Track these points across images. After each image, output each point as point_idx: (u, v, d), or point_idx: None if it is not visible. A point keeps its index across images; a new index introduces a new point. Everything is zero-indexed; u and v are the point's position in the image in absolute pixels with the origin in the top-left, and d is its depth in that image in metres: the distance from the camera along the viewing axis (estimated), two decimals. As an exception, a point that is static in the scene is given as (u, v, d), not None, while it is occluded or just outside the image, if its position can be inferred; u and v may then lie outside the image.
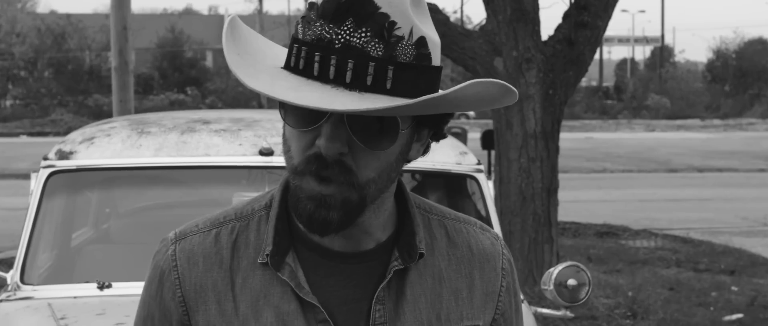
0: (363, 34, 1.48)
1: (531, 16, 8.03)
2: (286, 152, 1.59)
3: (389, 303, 1.63)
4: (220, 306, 1.63)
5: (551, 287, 3.77)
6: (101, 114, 39.27)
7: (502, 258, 1.77)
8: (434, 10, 8.25)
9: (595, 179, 22.18)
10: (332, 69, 1.48)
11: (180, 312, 1.65)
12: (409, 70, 1.52)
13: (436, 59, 1.59)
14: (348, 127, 1.51)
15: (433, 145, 3.76)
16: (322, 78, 1.49)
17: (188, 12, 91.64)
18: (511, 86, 1.58)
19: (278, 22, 57.31)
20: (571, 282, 3.76)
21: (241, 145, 3.86)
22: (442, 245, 1.71)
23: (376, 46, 1.49)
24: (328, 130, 1.51)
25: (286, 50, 1.59)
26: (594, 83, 73.48)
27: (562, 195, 8.56)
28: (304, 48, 1.51)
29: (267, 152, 3.77)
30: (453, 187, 4.02)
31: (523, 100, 7.99)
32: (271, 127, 4.00)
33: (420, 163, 3.75)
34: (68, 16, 60.45)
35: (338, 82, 1.48)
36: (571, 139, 35.63)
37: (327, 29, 1.49)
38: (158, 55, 64.08)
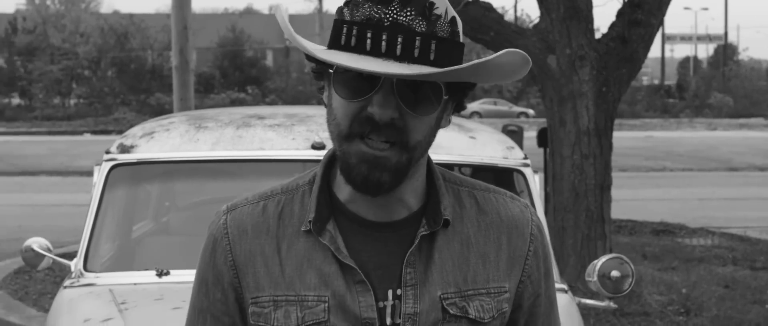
0: (408, 13, 1.67)
1: (584, 14, 8.09)
2: (332, 121, 1.75)
3: (419, 266, 1.78)
4: (268, 269, 1.80)
5: (595, 278, 3.86)
6: (163, 112, 39.69)
7: (532, 224, 1.90)
8: (488, 9, 8.35)
9: (654, 178, 22.09)
10: (384, 44, 1.66)
11: (231, 275, 1.83)
12: (447, 43, 1.70)
13: (462, 36, 1.76)
14: (397, 95, 1.68)
15: (482, 139, 3.89)
16: (374, 52, 1.67)
17: (249, 11, 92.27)
18: (528, 56, 1.74)
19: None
20: (615, 273, 3.85)
21: (294, 139, 4.00)
22: (472, 213, 1.84)
23: (420, 23, 1.68)
24: (380, 99, 1.68)
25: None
26: (656, 81, 72.97)
27: (619, 193, 8.62)
28: (355, 27, 1.68)
29: (319, 146, 3.90)
30: (500, 181, 4.11)
31: (576, 98, 8.06)
32: (323, 122, 4.11)
33: (468, 157, 3.89)
34: (131, 16, 61.22)
35: (389, 55, 1.66)
36: (631, 137, 35.47)
37: (375, 9, 1.67)
38: (219, 54, 64.61)
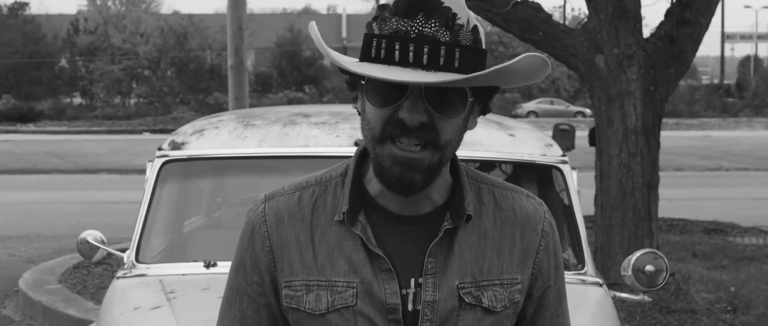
0: (433, 25, 1.81)
1: (632, 14, 8.14)
2: (366, 125, 1.89)
3: (440, 257, 1.92)
4: (302, 255, 1.94)
5: (630, 273, 3.96)
6: (221, 111, 40.10)
7: (544, 221, 2.02)
8: (536, 9, 8.42)
9: (710, 177, 21.97)
10: (411, 54, 1.80)
11: (268, 260, 1.97)
12: (470, 51, 1.83)
13: (484, 43, 1.88)
14: (425, 100, 1.82)
15: (521, 137, 4.01)
16: (403, 62, 1.80)
17: (307, 11, 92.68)
18: (547, 59, 1.85)
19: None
20: (649, 268, 3.94)
21: (337, 136, 4.14)
22: (490, 209, 1.98)
23: (444, 33, 1.81)
24: (409, 105, 1.82)
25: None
26: (715, 81, 72.26)
27: (674, 192, 8.66)
28: (384, 40, 1.82)
29: (361, 143, 4.03)
30: (539, 177, 4.22)
31: (623, 97, 8.12)
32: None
33: (507, 155, 4.00)
34: (190, 16, 61.78)
35: (417, 64, 1.80)
36: (688, 137, 35.26)
37: (402, 23, 1.81)
38: (277, 54, 65.01)
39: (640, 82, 8.10)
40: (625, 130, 8.13)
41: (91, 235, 4.19)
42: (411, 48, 1.80)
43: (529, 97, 57.85)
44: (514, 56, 1.93)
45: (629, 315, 7.72)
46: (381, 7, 1.88)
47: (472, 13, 1.86)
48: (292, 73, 63.10)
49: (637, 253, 4.00)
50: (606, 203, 8.27)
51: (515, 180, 4.27)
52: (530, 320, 2.04)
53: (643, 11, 8.24)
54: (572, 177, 4.20)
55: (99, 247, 4.18)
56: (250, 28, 55.58)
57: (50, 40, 60.88)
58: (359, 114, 1.93)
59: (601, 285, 3.97)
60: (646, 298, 4.20)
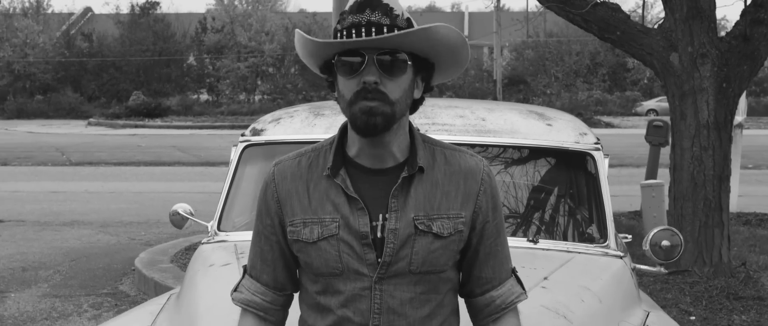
0: (376, 15, 2.46)
1: (707, 14, 8.54)
2: (342, 98, 2.53)
3: (400, 198, 2.55)
4: (300, 202, 2.60)
5: (648, 247, 4.45)
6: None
7: (483, 172, 2.64)
8: (615, 9, 8.86)
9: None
10: (363, 32, 2.45)
11: (276, 207, 2.64)
12: (404, 30, 2.47)
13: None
14: (377, 65, 2.45)
15: (558, 126, 4.56)
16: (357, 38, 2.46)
17: (431, 9, 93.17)
18: (466, 40, 2.53)
19: (516, 19, 57.56)
20: (665, 243, 4.43)
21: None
22: (441, 164, 2.60)
23: (385, 19, 2.46)
24: (366, 69, 2.46)
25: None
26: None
27: (759, 189, 8.95)
28: (344, 31, 2.47)
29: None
30: (573, 162, 4.69)
31: (696, 93, 8.52)
32: (419, 112, 4.83)
33: (544, 141, 4.52)
34: (314, 15, 62.81)
35: (367, 44, 2.47)
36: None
37: (355, 17, 2.47)
38: (398, 52, 65.67)
39: (713, 80, 8.49)
40: (698, 125, 8.53)
41: (182, 208, 4.89)
42: (362, 30, 2.44)
43: (650, 95, 57.40)
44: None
45: (696, 299, 8.09)
46: (342, 13, 2.54)
47: (404, 8, 2.52)
48: (413, 70, 63.73)
49: (655, 229, 4.48)
50: (678, 194, 8.68)
51: (553, 164, 4.76)
52: (474, 247, 2.64)
53: (728, 13, 8.60)
54: (603, 163, 4.68)
55: (188, 218, 4.86)
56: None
57: (179, 39, 62.72)
58: (337, 100, 2.53)
59: (621, 258, 4.43)
60: (662, 270, 4.66)
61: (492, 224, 2.64)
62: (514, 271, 2.73)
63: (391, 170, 2.57)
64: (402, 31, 2.45)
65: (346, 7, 2.50)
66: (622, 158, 23.16)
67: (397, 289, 2.53)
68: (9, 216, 14.80)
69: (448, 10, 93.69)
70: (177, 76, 60.52)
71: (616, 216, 13.12)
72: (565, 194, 4.65)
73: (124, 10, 67.63)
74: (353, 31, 2.46)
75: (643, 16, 9.34)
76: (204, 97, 59.19)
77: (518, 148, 4.62)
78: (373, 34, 2.45)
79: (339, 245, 2.54)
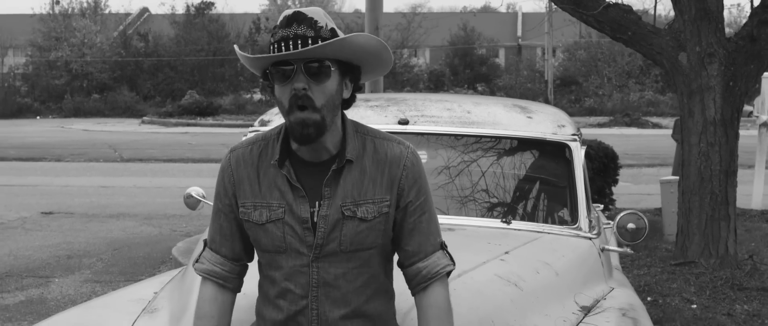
0: (302, 28, 2.81)
1: (714, 15, 8.88)
2: (280, 105, 2.88)
3: (332, 187, 2.92)
4: (251, 187, 2.99)
5: (615, 229, 4.85)
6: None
7: (406, 159, 2.98)
8: (627, 11, 9.22)
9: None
10: (291, 45, 2.80)
11: (232, 189, 3.03)
12: (327, 40, 2.82)
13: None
14: (304, 73, 2.81)
15: (538, 119, 4.99)
16: (286, 50, 2.81)
17: (486, 9, 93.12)
18: (386, 44, 2.88)
19: (569, 20, 57.40)
20: (631, 226, 4.82)
21: (386, 116, 5.14)
22: (370, 153, 2.96)
23: (309, 31, 2.80)
24: (295, 77, 2.82)
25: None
26: None
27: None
28: (275, 44, 2.84)
29: (403, 122, 5.03)
30: (550, 152, 5.06)
31: (704, 91, 8.86)
32: (412, 105, 5.27)
33: (524, 133, 4.92)
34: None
35: (293, 56, 2.81)
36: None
37: (284, 31, 2.82)
38: (450, 52, 65.89)
39: (720, 78, 8.82)
40: (705, 122, 8.87)
41: (195, 191, 5.35)
42: (290, 43, 2.80)
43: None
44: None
45: (700, 289, 8.43)
46: (274, 27, 2.89)
47: (330, 20, 2.86)
48: (465, 71, 63.83)
49: (621, 214, 4.87)
50: (686, 188, 9.02)
51: (534, 153, 5.14)
52: (399, 224, 3.00)
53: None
54: (579, 153, 5.07)
55: (200, 200, 5.32)
56: (424, 27, 56.35)
57: (233, 39, 63.40)
58: (277, 104, 2.93)
59: (590, 240, 4.80)
60: (628, 250, 5.05)
61: (415, 204, 2.99)
62: (442, 245, 3.07)
63: (326, 163, 2.92)
64: (323, 43, 2.77)
65: (277, 22, 2.86)
66: (665, 158, 23.37)
67: (332, 266, 2.92)
68: (58, 209, 15.46)
69: (504, 10, 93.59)
70: (230, 75, 61.22)
71: (645, 213, 13.50)
72: (541, 180, 5.05)
73: (180, 10, 68.65)
74: (283, 44, 2.80)
75: (655, 17, 9.66)
76: (257, 96, 59.82)
77: (500, 139, 5.03)
78: (300, 45, 2.77)
79: (284, 228, 2.92)
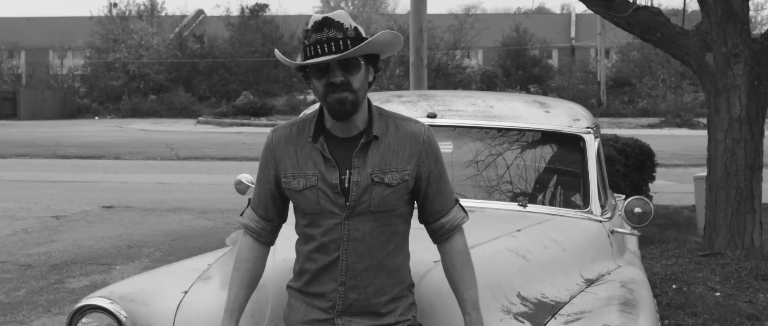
0: (332, 31, 3.34)
1: (740, 17, 9.30)
2: (317, 92, 3.42)
3: (361, 157, 3.45)
4: (291, 161, 3.52)
5: (623, 213, 5.33)
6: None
7: (423, 135, 3.53)
8: (656, 13, 9.66)
9: None
10: (325, 47, 3.34)
11: (273, 163, 3.57)
12: (354, 40, 3.37)
13: (364, 34, 3.41)
14: (339, 69, 3.35)
15: (554, 113, 5.53)
16: (322, 53, 3.36)
17: (540, 11, 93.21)
18: (399, 35, 3.43)
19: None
20: (638, 210, 5.30)
21: (416, 111, 5.65)
22: (393, 131, 3.50)
23: (338, 33, 3.34)
24: (331, 73, 3.36)
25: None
26: None
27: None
28: (310, 46, 3.37)
29: (432, 115, 5.55)
30: (566, 143, 5.55)
31: (730, 90, 9.29)
32: (440, 101, 5.79)
33: (541, 125, 5.42)
34: (419, 16, 63.41)
35: (328, 52, 3.35)
36: None
37: (317, 35, 3.36)
38: (502, 53, 66.07)
39: (746, 77, 9.24)
40: (730, 119, 9.29)
41: (244, 177, 5.92)
42: (325, 46, 3.34)
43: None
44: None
45: (725, 279, 8.84)
46: (307, 31, 3.41)
47: (352, 20, 3.38)
48: (517, 72, 64.01)
49: (630, 199, 5.35)
50: (713, 183, 9.45)
51: (549, 144, 5.65)
52: (424, 190, 3.54)
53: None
54: (593, 144, 5.56)
55: (250, 186, 5.88)
56: (476, 28, 56.39)
57: (287, 40, 64.22)
58: (313, 91, 3.47)
59: (600, 222, 5.28)
60: (636, 233, 5.53)
61: (435, 171, 3.54)
62: (457, 201, 3.64)
63: (355, 138, 3.45)
64: (353, 49, 3.30)
65: (309, 27, 3.39)
66: (709, 157, 23.56)
67: (361, 224, 3.45)
68: (118, 203, 16.17)
69: (558, 11, 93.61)
70: (284, 76, 62.01)
71: (680, 210, 13.89)
72: (556, 169, 5.55)
73: (235, 12, 69.54)
74: (318, 47, 3.32)
75: (684, 19, 10.10)
76: (311, 97, 60.51)
77: (519, 131, 5.54)
78: (332, 47, 3.30)
79: (318, 193, 3.45)
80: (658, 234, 11.62)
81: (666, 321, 7.56)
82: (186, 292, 4.21)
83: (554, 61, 71.15)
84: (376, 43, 3.41)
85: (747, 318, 7.67)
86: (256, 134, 36.83)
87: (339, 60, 3.34)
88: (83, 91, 66.88)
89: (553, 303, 4.14)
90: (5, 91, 62.91)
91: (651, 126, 43.93)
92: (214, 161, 25.54)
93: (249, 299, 3.66)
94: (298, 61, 3.42)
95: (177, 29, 70.01)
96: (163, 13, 70.11)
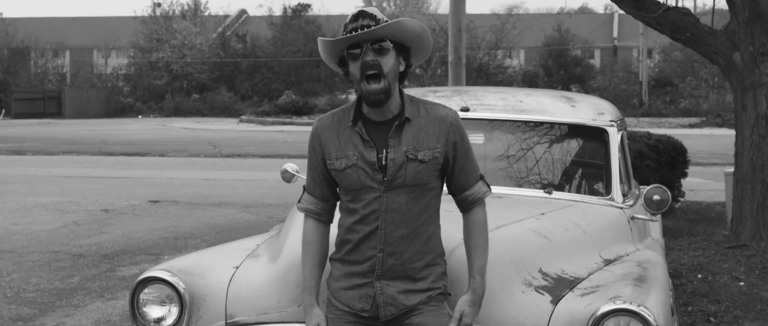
0: (366, 20, 3.78)
1: (766, 17, 9.60)
2: (354, 78, 3.84)
3: (396, 138, 3.87)
4: (333, 144, 3.94)
5: (642, 200, 5.70)
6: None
7: (450, 118, 3.94)
8: (685, 13, 10.00)
9: None
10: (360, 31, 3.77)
11: (319, 148, 3.99)
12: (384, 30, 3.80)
13: None
14: (371, 50, 3.78)
15: (580, 107, 5.97)
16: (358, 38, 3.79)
17: (583, 10, 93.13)
18: (425, 28, 3.88)
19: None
20: (656, 197, 5.66)
21: (450, 104, 6.02)
22: (423, 115, 3.92)
23: (371, 22, 3.77)
24: (364, 54, 3.79)
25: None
26: None
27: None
28: (346, 33, 3.80)
29: (465, 109, 5.93)
30: (590, 136, 5.93)
31: (756, 88, 9.60)
32: (472, 96, 6.18)
33: (566, 119, 5.82)
34: (460, 16, 63.62)
35: (362, 37, 3.78)
36: None
37: (354, 24, 3.79)
38: (544, 53, 66.16)
39: (772, 75, 9.55)
40: (757, 116, 9.61)
41: (290, 166, 6.33)
42: (358, 31, 3.75)
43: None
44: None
45: (750, 269, 9.17)
46: (346, 23, 3.84)
47: (384, 15, 3.81)
48: (559, 72, 64.05)
49: (649, 187, 5.72)
50: (739, 177, 9.77)
51: (574, 136, 6.03)
52: (451, 166, 3.94)
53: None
54: (616, 136, 5.92)
55: (294, 174, 6.30)
56: (518, 28, 56.45)
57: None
58: (351, 80, 3.88)
59: (621, 209, 5.65)
60: (654, 219, 5.89)
61: (461, 150, 3.96)
62: (481, 176, 4.04)
63: (389, 121, 3.87)
64: (380, 25, 3.76)
65: (348, 18, 3.84)
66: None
67: (397, 196, 3.87)
68: (164, 198, 16.70)
69: (601, 11, 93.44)
70: (326, 76, 62.48)
71: (712, 206, 14.19)
72: (581, 159, 5.93)
73: (277, 12, 70.18)
74: (353, 33, 3.78)
75: (712, 19, 10.41)
76: (352, 96, 60.85)
77: (546, 124, 5.93)
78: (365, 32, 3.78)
79: (358, 171, 3.88)
80: (687, 227, 11.95)
81: (690, 307, 7.91)
82: (237, 267, 4.64)
83: (596, 61, 71.11)
84: (401, 28, 3.82)
85: (768, 305, 8.00)
86: (298, 133, 37.39)
87: (371, 42, 3.77)
88: (127, 90, 67.77)
89: (572, 278, 4.52)
90: (50, 90, 63.96)
91: (691, 126, 44.02)
92: (256, 158, 26.10)
93: (322, 275, 4.06)
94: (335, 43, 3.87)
95: (220, 29, 70.69)
96: (206, 13, 70.88)
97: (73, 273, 10.06)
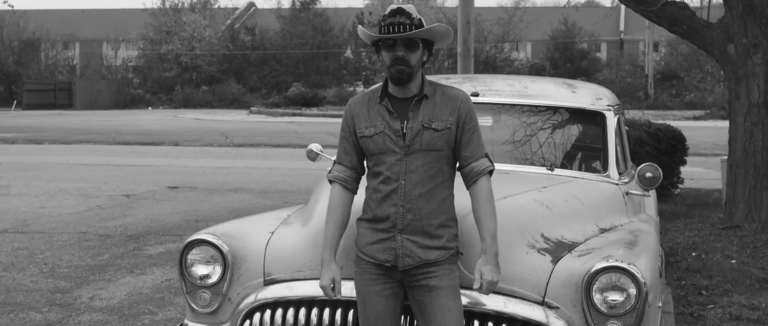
0: (402, 18, 4.36)
1: (759, 10, 10.16)
2: (383, 63, 4.43)
3: (415, 111, 4.45)
4: (364, 116, 4.53)
5: (636, 177, 6.26)
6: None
7: (461, 97, 4.52)
8: (683, 7, 10.56)
9: None
10: (397, 28, 4.36)
11: (351, 121, 4.58)
12: (417, 27, 4.38)
13: (425, 24, 4.43)
14: (403, 46, 4.37)
15: (580, 92, 6.64)
16: (393, 33, 4.38)
17: (590, 4, 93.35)
18: (450, 28, 4.46)
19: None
20: (649, 174, 6.22)
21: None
22: (439, 94, 4.51)
23: (406, 20, 4.36)
24: (397, 48, 4.38)
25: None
26: None
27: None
28: (385, 27, 4.38)
29: (474, 94, 6.49)
30: (589, 119, 6.50)
31: (749, 77, 10.16)
32: (482, 82, 6.75)
33: (566, 103, 6.41)
34: (468, 9, 64.03)
35: (397, 33, 4.37)
36: None
37: (390, 19, 4.37)
38: (551, 46, 66.56)
39: (764, 66, 10.11)
40: (749, 104, 10.17)
41: (315, 146, 6.88)
42: (396, 27, 4.34)
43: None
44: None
45: (742, 248, 9.72)
46: (384, 16, 4.43)
47: (418, 12, 4.40)
48: (565, 64, 64.49)
49: (641, 166, 6.28)
50: (732, 162, 10.33)
51: (574, 119, 6.59)
52: (459, 138, 4.50)
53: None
54: (612, 120, 6.48)
55: (318, 153, 6.87)
56: (525, 21, 56.75)
57: (337, 33, 65.26)
58: (381, 61, 4.47)
59: (617, 185, 6.21)
60: (647, 194, 6.45)
61: (469, 124, 4.53)
62: (486, 155, 4.58)
63: (410, 98, 4.47)
64: (416, 31, 4.33)
65: (386, 12, 4.42)
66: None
67: (416, 159, 4.45)
68: (182, 184, 17.31)
69: (607, 4, 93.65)
70: (334, 68, 63.05)
71: (711, 192, 14.74)
72: (581, 140, 6.49)
73: (286, 5, 70.85)
74: (391, 28, 4.36)
75: (708, 13, 10.97)
76: (360, 88, 61.46)
77: (549, 108, 6.49)
78: (401, 29, 4.34)
79: (384, 137, 4.46)
80: (685, 211, 12.52)
81: (683, 281, 8.48)
82: (272, 232, 5.22)
83: (603, 55, 71.53)
84: (432, 32, 4.42)
85: (757, 281, 8.56)
86: (308, 124, 37.95)
87: (404, 40, 4.35)
88: (136, 82, 68.41)
89: (570, 242, 5.09)
90: (61, 81, 64.61)
91: (696, 118, 44.52)
92: (268, 148, 26.71)
93: (342, 236, 4.63)
94: (374, 34, 4.45)
95: (229, 21, 71.28)
96: (215, 6, 71.40)
97: (103, 252, 10.65)
